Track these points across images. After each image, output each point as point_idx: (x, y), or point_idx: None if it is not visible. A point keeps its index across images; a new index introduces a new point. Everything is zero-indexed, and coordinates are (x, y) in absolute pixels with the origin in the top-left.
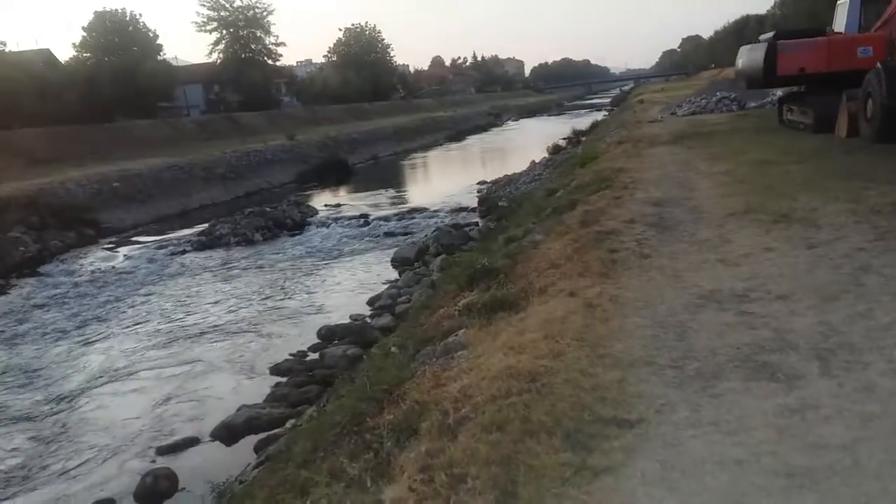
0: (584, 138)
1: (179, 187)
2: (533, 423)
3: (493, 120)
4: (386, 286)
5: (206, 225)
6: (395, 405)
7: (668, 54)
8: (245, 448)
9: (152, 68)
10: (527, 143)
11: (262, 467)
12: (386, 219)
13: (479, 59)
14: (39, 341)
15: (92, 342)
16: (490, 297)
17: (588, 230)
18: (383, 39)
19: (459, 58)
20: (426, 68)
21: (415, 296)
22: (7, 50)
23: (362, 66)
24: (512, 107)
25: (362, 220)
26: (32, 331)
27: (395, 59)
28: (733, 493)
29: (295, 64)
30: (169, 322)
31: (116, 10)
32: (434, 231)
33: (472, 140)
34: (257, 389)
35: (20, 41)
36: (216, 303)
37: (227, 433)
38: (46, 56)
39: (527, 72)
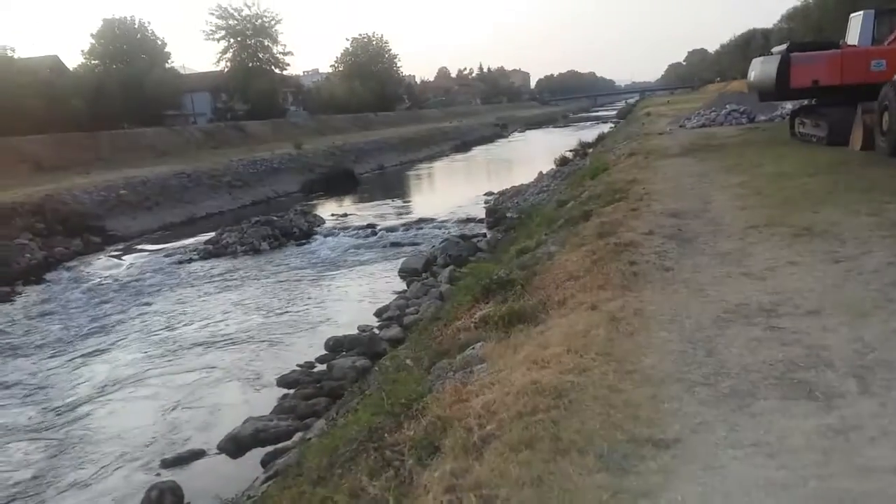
0: (591, 150)
1: (186, 195)
2: (563, 441)
3: (499, 131)
4: (394, 297)
5: (213, 233)
6: (414, 420)
7: (673, 67)
8: (252, 461)
9: (160, 76)
10: (533, 154)
11: (271, 482)
12: (393, 229)
13: (484, 70)
14: (44, 350)
15: (97, 351)
16: (507, 309)
17: (605, 242)
18: (390, 50)
19: (465, 69)
20: (432, 79)
21: (423, 307)
22: (16, 56)
23: (369, 76)
24: (518, 118)
25: (369, 230)
26: (37, 339)
27: (401, 69)
28: None
29: (302, 73)
30: (175, 331)
31: (125, 17)
32: (442, 242)
33: (478, 151)
34: (264, 401)
35: (29, 47)
36: (222, 312)
37: (234, 446)
38: (54, 62)
39: (532, 83)
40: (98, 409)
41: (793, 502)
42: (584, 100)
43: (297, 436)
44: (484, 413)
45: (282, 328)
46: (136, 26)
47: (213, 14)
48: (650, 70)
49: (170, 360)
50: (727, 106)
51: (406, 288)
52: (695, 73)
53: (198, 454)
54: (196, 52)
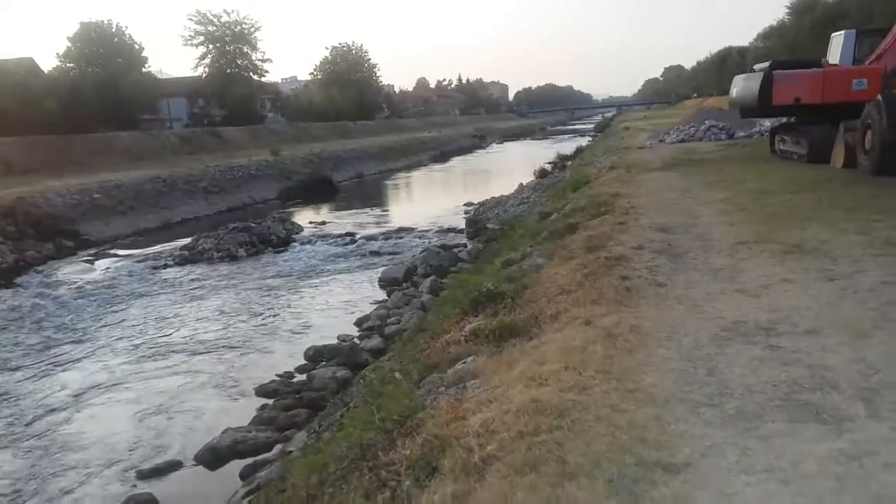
0: (570, 163)
1: (161, 200)
2: (570, 464)
3: (477, 142)
4: (374, 307)
5: (189, 239)
6: (409, 438)
7: (650, 82)
8: (230, 473)
9: (136, 80)
10: (512, 165)
11: (251, 497)
12: (372, 238)
13: (463, 81)
14: (12, 356)
15: (68, 359)
16: (499, 322)
17: (595, 255)
18: (370, 59)
19: (444, 79)
20: (411, 89)
21: (405, 318)
22: None
23: (348, 84)
24: (496, 130)
25: (348, 239)
26: (5, 344)
27: (380, 78)
28: None
29: (280, 80)
30: (149, 338)
31: (102, 21)
32: (422, 251)
33: (457, 161)
34: (242, 411)
35: (4, 50)
36: (198, 319)
37: (212, 457)
38: (29, 65)
39: (511, 96)
40: (70, 418)
41: None
42: (561, 113)
43: (277, 448)
44: (483, 432)
45: (260, 336)
46: (113, 30)
47: (191, 19)
48: (627, 85)
49: (144, 369)
50: (706, 122)
51: (386, 297)
52: (671, 88)
53: (175, 465)
54: (173, 57)
